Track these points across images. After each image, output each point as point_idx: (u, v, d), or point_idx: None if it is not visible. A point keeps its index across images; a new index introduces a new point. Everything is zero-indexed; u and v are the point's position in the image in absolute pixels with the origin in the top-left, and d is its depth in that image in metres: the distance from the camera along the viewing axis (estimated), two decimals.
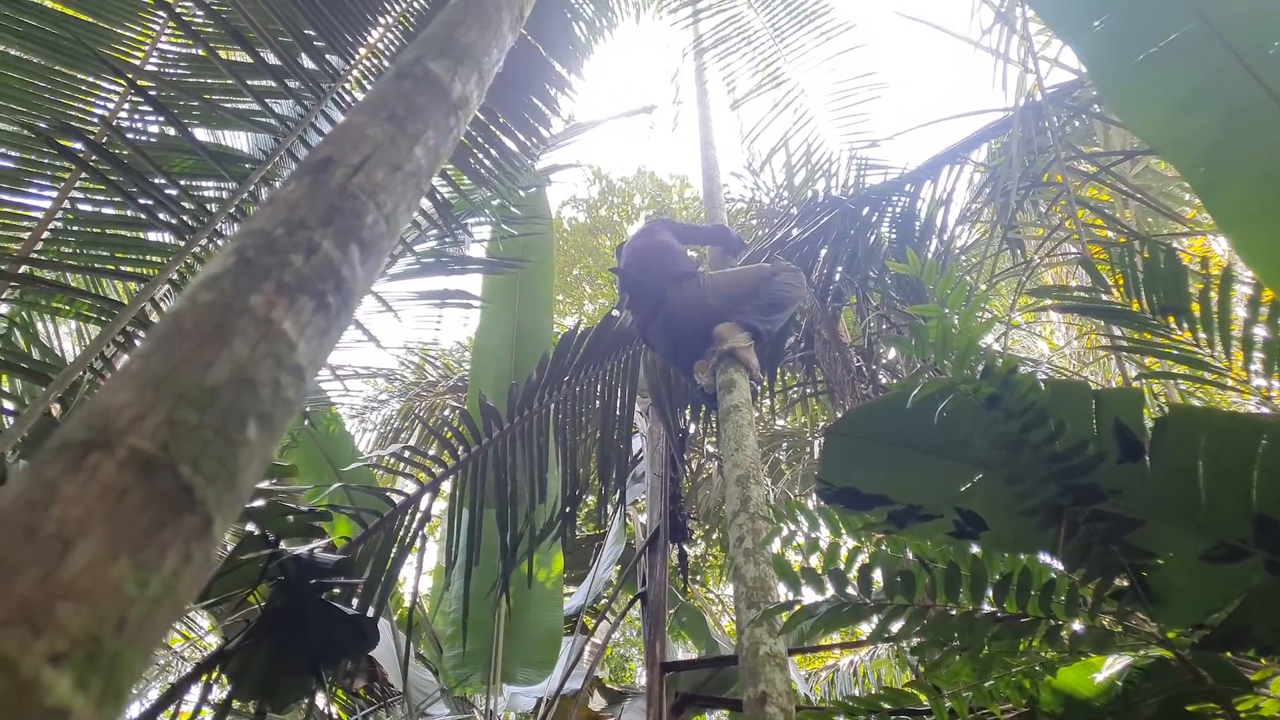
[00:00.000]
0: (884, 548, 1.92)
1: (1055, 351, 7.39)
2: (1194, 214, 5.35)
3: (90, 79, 3.59)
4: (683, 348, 4.10)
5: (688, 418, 5.29)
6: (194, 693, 3.21)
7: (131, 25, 3.67)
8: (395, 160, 1.00)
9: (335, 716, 5.31)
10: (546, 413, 4.39)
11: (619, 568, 6.15)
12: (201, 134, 3.89)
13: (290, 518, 3.28)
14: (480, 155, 4.31)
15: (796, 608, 1.86)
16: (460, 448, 4.16)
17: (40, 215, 3.48)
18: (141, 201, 3.41)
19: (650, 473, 5.37)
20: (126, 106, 3.64)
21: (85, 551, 0.50)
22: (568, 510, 4.45)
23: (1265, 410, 2.26)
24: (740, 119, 6.73)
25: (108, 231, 3.68)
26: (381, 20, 4.00)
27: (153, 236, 3.77)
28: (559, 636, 5.28)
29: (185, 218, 3.51)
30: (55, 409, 3.40)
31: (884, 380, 5.33)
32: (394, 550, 3.85)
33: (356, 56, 3.91)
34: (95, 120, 3.59)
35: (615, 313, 4.85)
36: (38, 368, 3.49)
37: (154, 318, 3.55)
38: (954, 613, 1.83)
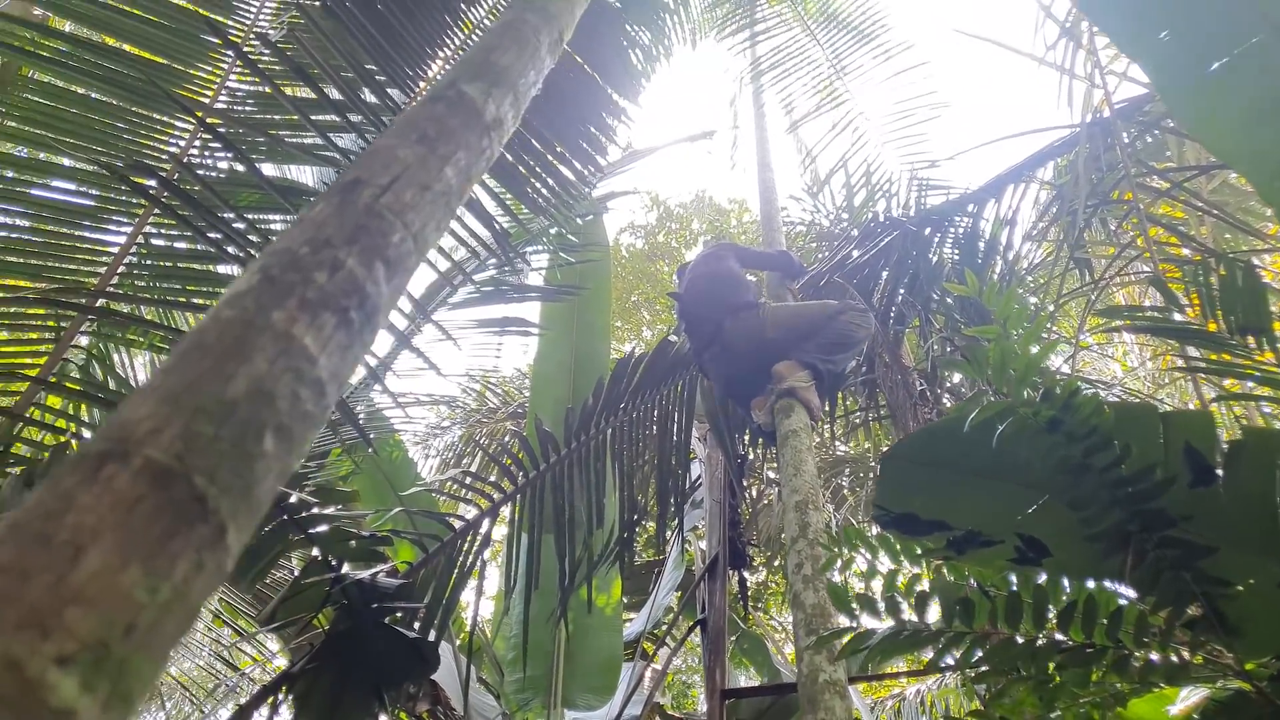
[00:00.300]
0: (944, 573, 1.87)
1: (1129, 374, 7.16)
2: (1276, 229, 5.15)
3: (164, 118, 3.74)
4: (738, 379, 4.03)
5: (746, 443, 5.25)
6: (262, 715, 3.27)
7: (203, 65, 3.83)
8: (425, 181, 1.02)
9: None
10: (603, 438, 4.40)
11: (679, 594, 6.10)
12: (268, 168, 4.03)
13: (353, 543, 3.35)
14: (538, 184, 4.37)
15: (852, 634, 1.82)
16: (520, 473, 4.20)
17: (116, 250, 3.63)
18: (211, 235, 3.54)
19: (709, 499, 5.33)
20: (197, 144, 3.79)
21: (96, 558, 0.52)
22: (625, 535, 4.45)
23: None
24: (799, 140, 6.71)
25: (179, 265, 3.82)
26: (440, 53, 4.10)
27: (222, 269, 3.90)
28: (619, 662, 5.26)
29: (252, 250, 3.64)
30: None
31: (947, 405, 5.23)
32: (454, 574, 3.89)
33: (417, 89, 4.02)
34: (167, 158, 3.73)
35: (672, 338, 4.85)
36: (114, 398, 3.63)
37: None
38: (1017, 640, 1.77)
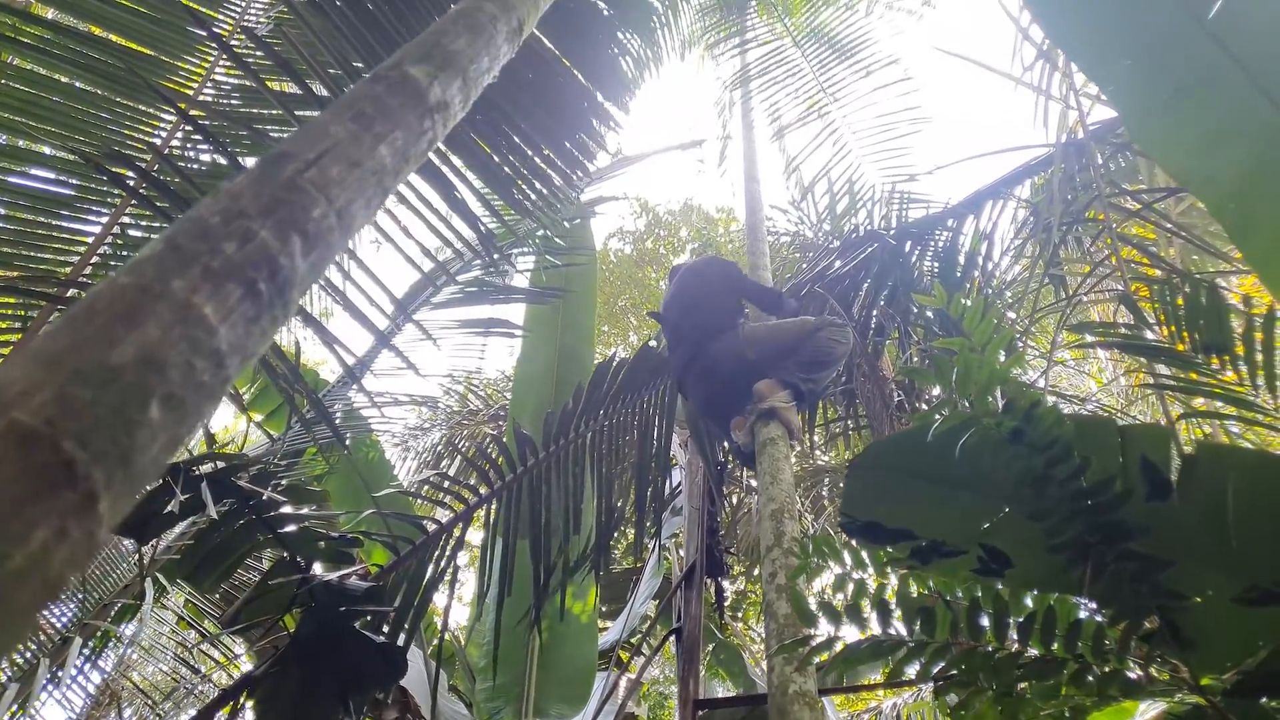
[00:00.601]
0: (907, 583, 1.89)
1: (1102, 389, 7.23)
2: (1244, 255, 5.22)
3: (147, 109, 3.72)
4: (718, 401, 3.98)
5: (727, 451, 5.26)
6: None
7: (189, 57, 3.81)
8: (354, 157, 1.01)
9: None
10: (583, 442, 4.40)
11: (656, 601, 6.11)
12: (249, 162, 4.02)
13: (322, 544, 3.33)
14: (524, 187, 4.37)
15: (816, 643, 1.84)
16: (496, 477, 4.19)
17: (90, 240, 3.61)
18: None
19: (688, 506, 5.35)
20: (179, 136, 3.78)
21: None
22: (602, 542, 4.45)
23: None
24: (785, 151, 6.76)
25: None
26: None
27: None
28: (593, 671, 5.25)
29: None
30: None
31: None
32: (426, 578, 3.88)
33: None
34: (148, 149, 3.72)
35: (653, 343, 4.87)
36: None
37: None
38: (977, 651, 1.79)
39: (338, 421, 4.34)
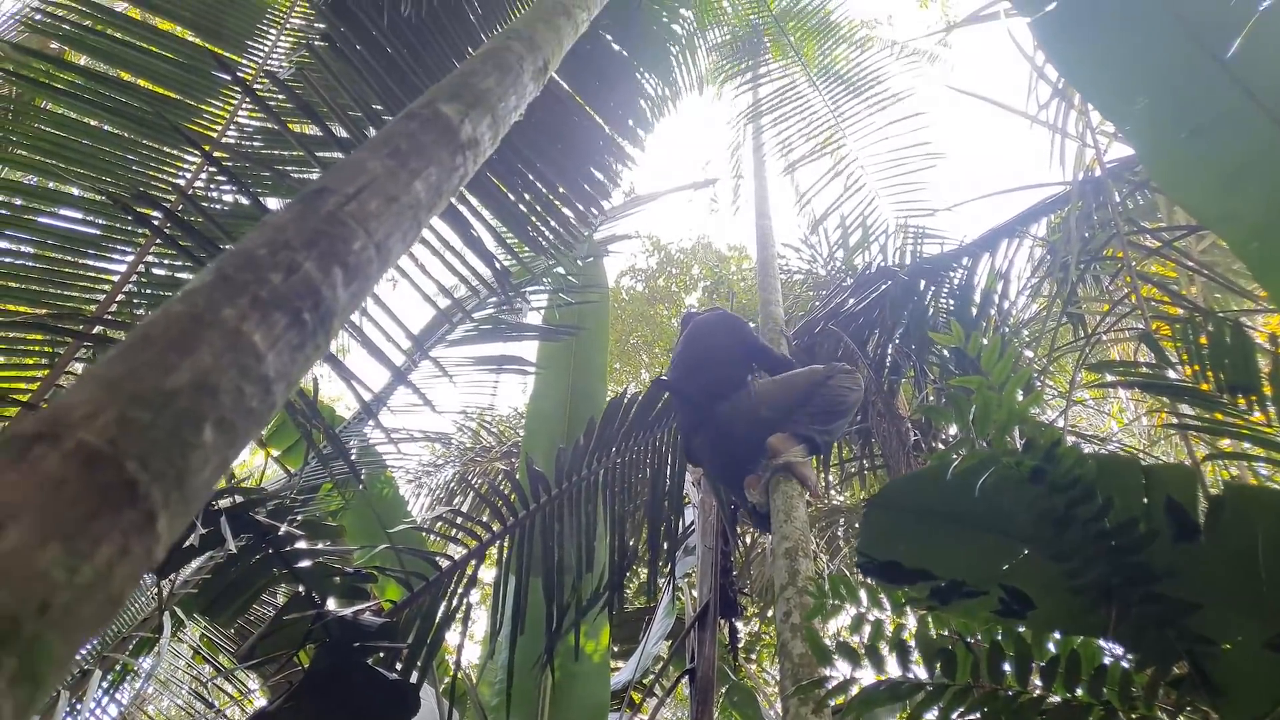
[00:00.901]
0: (926, 624, 1.86)
1: (1124, 429, 7.16)
2: (1268, 293, 5.18)
3: (172, 151, 3.80)
4: (732, 463, 3.84)
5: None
6: None
7: (213, 101, 3.90)
8: (392, 192, 1.03)
9: None
10: (595, 480, 4.38)
11: (669, 642, 6.03)
12: (273, 203, 4.07)
13: (337, 579, 3.32)
14: (540, 224, 4.40)
15: (833, 684, 1.81)
16: (509, 514, 4.17)
17: (116, 278, 3.66)
18: None
19: (701, 545, 5.30)
20: (204, 177, 3.85)
21: (14, 535, 0.52)
22: (616, 580, 4.41)
23: None
24: (797, 187, 6.80)
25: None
26: None
27: None
28: (606, 712, 5.17)
29: None
30: None
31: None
32: (439, 615, 3.85)
33: None
34: (173, 190, 3.78)
35: (665, 377, 4.85)
36: None
37: None
38: (999, 695, 1.76)
39: (353, 458, 4.35)
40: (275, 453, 5.27)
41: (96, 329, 3.71)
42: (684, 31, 5.46)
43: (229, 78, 3.83)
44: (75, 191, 3.78)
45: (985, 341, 1.98)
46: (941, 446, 5.39)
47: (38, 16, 3.69)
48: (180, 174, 3.84)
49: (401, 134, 1.16)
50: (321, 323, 0.83)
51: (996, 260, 5.25)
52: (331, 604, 3.36)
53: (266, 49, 4.13)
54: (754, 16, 6.80)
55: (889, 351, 5.23)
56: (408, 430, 5.84)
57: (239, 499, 3.19)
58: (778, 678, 8.90)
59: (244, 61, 4.07)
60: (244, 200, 3.95)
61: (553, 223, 4.44)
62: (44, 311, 3.70)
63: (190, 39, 3.94)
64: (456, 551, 4.49)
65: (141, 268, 3.76)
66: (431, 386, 5.37)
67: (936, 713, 1.79)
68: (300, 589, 3.19)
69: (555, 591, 4.08)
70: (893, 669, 1.85)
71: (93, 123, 3.72)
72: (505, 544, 4.11)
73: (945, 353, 5.35)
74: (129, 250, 3.74)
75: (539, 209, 4.41)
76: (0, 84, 4.04)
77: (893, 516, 1.94)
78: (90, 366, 0.68)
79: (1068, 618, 1.88)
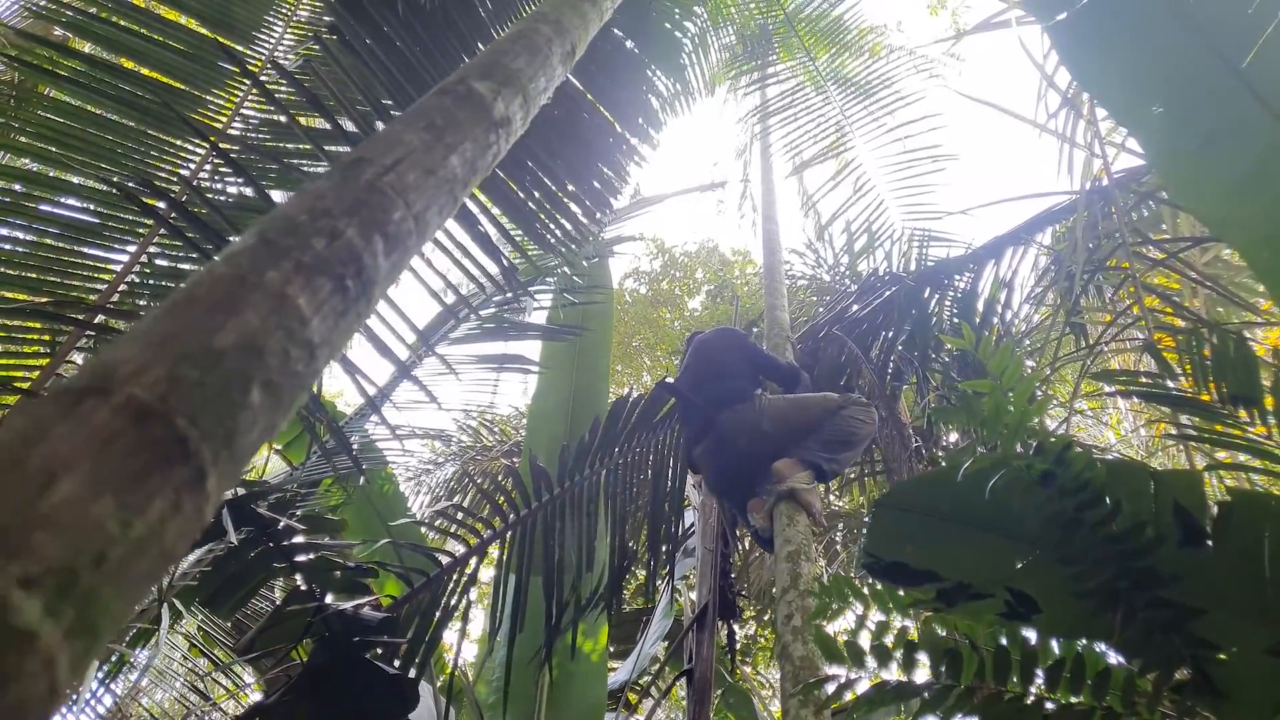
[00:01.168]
0: (932, 626, 1.86)
1: (1121, 440, 7.17)
2: (1269, 305, 5.21)
3: (176, 141, 3.79)
4: (732, 476, 3.79)
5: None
6: None
7: (218, 91, 3.89)
8: (429, 165, 1.03)
9: None
10: (598, 480, 4.38)
11: (666, 644, 6.03)
12: (277, 196, 4.07)
13: (338, 573, 3.32)
14: (548, 221, 4.39)
15: (837, 684, 1.81)
16: (510, 511, 4.17)
17: (119, 268, 3.65)
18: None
19: (701, 547, 5.30)
20: (208, 168, 3.84)
21: (68, 486, 0.51)
22: (616, 580, 4.41)
23: None
24: (804, 191, 6.80)
25: (181, 286, 3.84)
26: None
27: None
28: (602, 711, 5.17)
29: None
30: None
31: (943, 461, 5.22)
32: (439, 612, 3.85)
33: None
34: (177, 180, 3.78)
35: (670, 380, 4.85)
36: None
37: None
38: (1003, 697, 1.76)
39: (356, 452, 4.35)
40: (277, 445, 5.26)
41: (98, 318, 3.71)
42: (697, 29, 5.46)
43: (235, 68, 3.83)
44: (76, 179, 3.78)
45: (994, 345, 1.99)
46: (942, 453, 5.40)
47: (42, 2, 3.69)
48: (184, 165, 3.83)
49: (436, 109, 1.16)
50: (364, 290, 0.83)
51: (1001, 268, 5.26)
52: (329, 598, 3.35)
53: (273, 42, 4.13)
54: (764, 18, 6.80)
55: (892, 358, 5.23)
56: (410, 427, 5.84)
57: (241, 491, 3.19)
58: (774, 680, 8.89)
59: (250, 53, 4.06)
60: (248, 193, 3.95)
61: (561, 220, 4.43)
62: (44, 300, 3.70)
63: (196, 29, 3.94)
64: (456, 548, 4.49)
65: (144, 258, 3.75)
66: (434, 383, 5.36)
67: (940, 715, 1.80)
68: (300, 583, 3.19)
69: (555, 589, 4.07)
70: (893, 671, 1.85)
71: (96, 111, 3.71)
72: (507, 541, 4.11)
73: (947, 359, 5.36)
74: (131, 240, 3.73)
75: (548, 205, 4.40)
76: (2, 70, 4.04)
77: (900, 517, 1.95)
78: (135, 324, 0.67)
79: (1072, 621, 1.89)
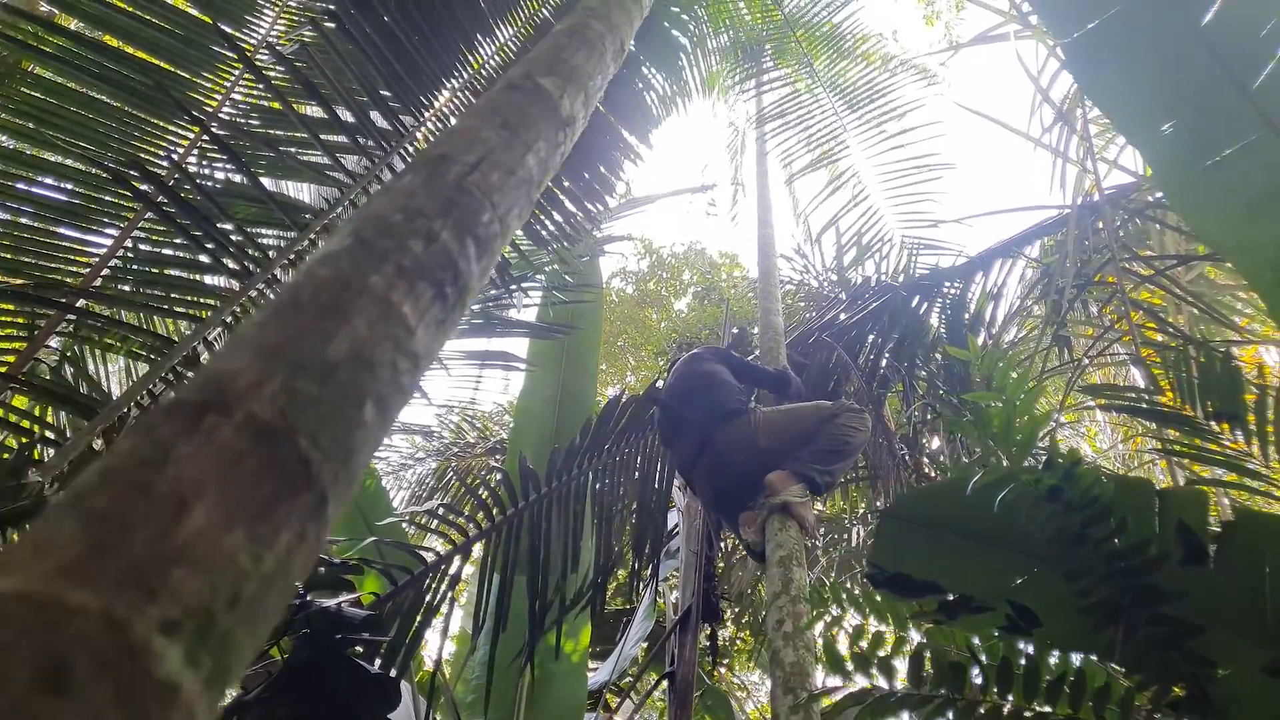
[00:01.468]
0: (934, 637, 1.86)
1: (1100, 454, 7.25)
2: (1246, 322, 5.28)
3: (163, 124, 3.70)
4: (729, 493, 3.71)
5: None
6: None
7: (208, 75, 3.81)
8: (509, 165, 0.99)
9: None
10: (585, 480, 4.36)
11: (645, 645, 6.02)
12: (265, 183, 4.01)
13: (320, 569, 3.27)
14: (541, 215, 4.35)
15: (839, 695, 1.80)
16: (496, 510, 4.14)
17: (102, 251, 3.58)
18: (207, 246, 3.51)
19: (685, 549, 5.29)
20: (195, 152, 3.76)
21: (201, 515, 0.47)
22: (600, 581, 4.39)
23: None
24: (796, 197, 6.81)
25: (166, 272, 3.77)
26: (451, 83, 4.13)
27: (208, 279, 3.85)
28: (582, 712, 5.15)
29: (246, 263, 3.61)
30: (98, 444, 3.45)
31: (928, 469, 5.25)
32: (421, 610, 3.81)
33: (424, 117, 4.04)
34: (165, 163, 3.70)
35: (659, 383, 4.84)
36: (85, 401, 3.54)
37: (205, 357, 3.61)
38: (1005, 710, 1.76)
39: None
40: None
41: (80, 302, 3.63)
42: (695, 30, 5.44)
43: (227, 51, 3.76)
44: (53, 158, 3.69)
45: (995, 358, 1.99)
46: (927, 459, 5.43)
47: None
48: (172, 148, 3.75)
49: (508, 105, 1.12)
50: (459, 297, 0.79)
51: (990, 280, 5.29)
52: (310, 595, 3.30)
53: (266, 26, 4.06)
54: (762, 21, 6.79)
55: (882, 363, 5.25)
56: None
57: None
58: (748, 683, 8.88)
59: (242, 36, 3.99)
60: (236, 178, 3.88)
61: (556, 215, 4.40)
62: (21, 282, 3.61)
63: (186, 10, 3.86)
64: (436, 546, 4.45)
65: (129, 242, 3.68)
66: (423, 378, 5.31)
67: None
68: None
69: (540, 590, 4.05)
70: (883, 681, 1.85)
71: (82, 90, 3.62)
72: (491, 541, 4.08)
73: (933, 368, 5.39)
74: (111, 222, 3.65)
75: (542, 200, 4.37)
76: None
77: (906, 529, 1.95)
78: (241, 329, 0.62)
79: (1074, 637, 1.89)
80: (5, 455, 3.27)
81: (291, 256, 3.72)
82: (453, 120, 4.11)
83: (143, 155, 3.70)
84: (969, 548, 1.91)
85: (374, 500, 5.26)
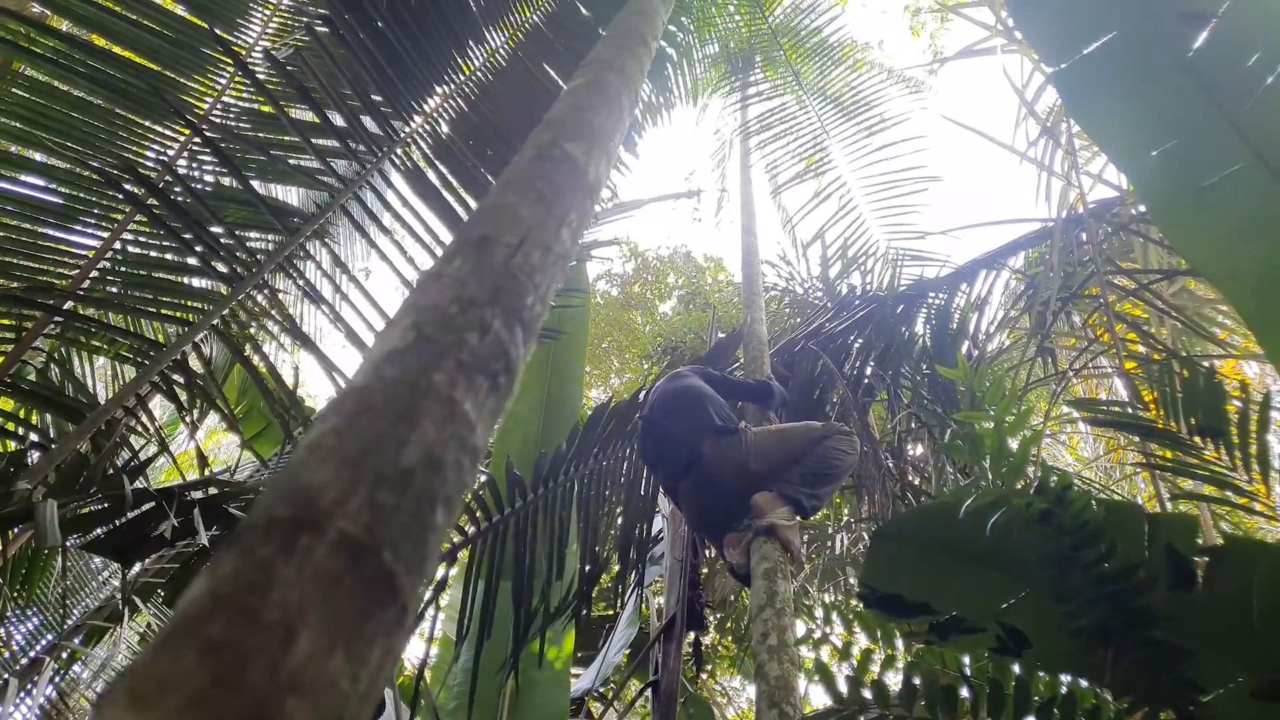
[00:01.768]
0: (925, 658, 1.87)
1: (1083, 465, 7.31)
2: (1225, 335, 5.35)
3: (153, 126, 3.67)
4: (715, 513, 3.65)
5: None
6: None
7: (198, 78, 3.79)
8: (546, 242, 1.01)
9: None
10: (572, 487, 4.36)
11: (628, 651, 6.02)
12: (258, 185, 3.98)
13: None
14: None
15: (833, 718, 1.81)
16: (481, 516, 4.13)
17: (90, 253, 3.54)
18: (198, 249, 3.49)
19: (670, 556, 5.29)
20: (185, 155, 3.73)
21: (307, 641, 0.48)
22: (585, 588, 4.38)
23: None
24: (782, 207, 6.82)
25: (154, 274, 3.74)
26: (441, 89, 4.12)
27: (196, 282, 3.83)
28: (564, 719, 5.14)
29: (236, 266, 3.58)
30: (84, 447, 3.41)
31: (913, 478, 5.28)
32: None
33: (415, 123, 4.02)
34: (155, 166, 3.67)
35: (643, 395, 4.84)
36: (71, 404, 3.50)
37: (193, 362, 3.58)
38: None
39: None
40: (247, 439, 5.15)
41: (67, 304, 3.59)
42: (683, 40, 5.46)
43: (219, 54, 3.74)
44: (42, 159, 3.65)
45: (980, 376, 2.01)
46: (912, 469, 5.46)
47: None
48: (162, 151, 3.73)
49: (539, 175, 1.13)
50: (510, 383, 0.80)
51: (974, 291, 5.33)
52: None
53: (257, 31, 4.04)
54: (749, 31, 6.81)
55: (867, 372, 5.28)
56: None
57: (213, 491, 3.11)
58: (730, 689, 8.89)
59: (232, 39, 3.96)
60: (226, 181, 3.86)
61: None
62: (11, 283, 3.57)
63: (179, 13, 3.83)
64: None
65: (118, 244, 3.64)
66: None
67: None
68: None
69: (525, 596, 4.04)
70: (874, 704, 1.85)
71: (73, 91, 3.59)
72: (477, 547, 4.07)
73: (918, 378, 5.42)
74: (100, 224, 3.62)
75: None
76: None
77: (898, 549, 1.96)
78: (318, 437, 0.63)
79: (1063, 658, 1.91)
80: None
81: (282, 261, 3.69)
82: (443, 125, 4.10)
83: (132, 157, 3.67)
84: (961, 569, 1.93)
85: None
